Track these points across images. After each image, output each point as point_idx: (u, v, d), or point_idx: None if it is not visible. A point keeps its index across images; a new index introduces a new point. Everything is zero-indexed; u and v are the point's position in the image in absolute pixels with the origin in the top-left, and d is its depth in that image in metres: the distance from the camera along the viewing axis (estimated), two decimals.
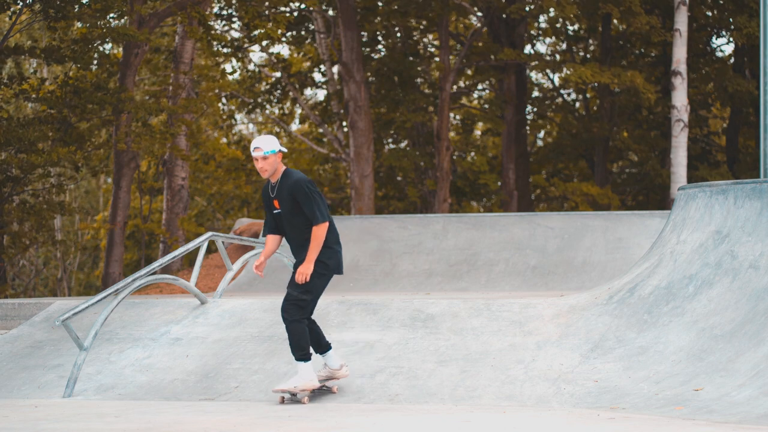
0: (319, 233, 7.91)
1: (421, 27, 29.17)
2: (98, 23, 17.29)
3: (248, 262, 15.18)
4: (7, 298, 17.54)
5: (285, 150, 8.15)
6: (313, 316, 8.22)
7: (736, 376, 7.54)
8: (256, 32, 23.00)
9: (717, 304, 8.49)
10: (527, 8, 23.85)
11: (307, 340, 8.03)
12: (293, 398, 8.14)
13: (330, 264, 8.02)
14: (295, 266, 8.11)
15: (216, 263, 17.54)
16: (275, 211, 8.13)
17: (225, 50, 26.08)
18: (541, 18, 29.54)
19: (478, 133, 34.53)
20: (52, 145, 17.60)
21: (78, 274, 33.59)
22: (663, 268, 9.22)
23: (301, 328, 7.97)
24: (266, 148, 7.97)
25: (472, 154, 32.95)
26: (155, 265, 9.94)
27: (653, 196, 29.75)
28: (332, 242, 8.07)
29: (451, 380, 8.46)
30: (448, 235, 15.19)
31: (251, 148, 8.06)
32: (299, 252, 8.10)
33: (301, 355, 8.02)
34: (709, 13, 26.77)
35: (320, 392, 8.44)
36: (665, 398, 7.54)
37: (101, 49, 19.42)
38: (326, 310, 9.94)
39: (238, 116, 33.34)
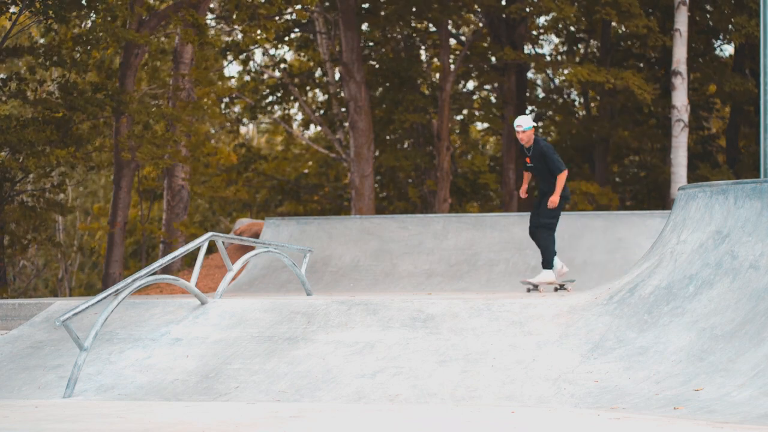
0: (561, 179, 11.78)
1: (418, 37, 29.12)
2: (98, 29, 17.24)
3: (248, 263, 15.18)
4: (8, 298, 17.54)
5: (537, 125, 10.70)
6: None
7: (736, 376, 7.54)
8: (242, 32, 22.95)
9: (717, 304, 8.49)
10: (527, 9, 23.82)
11: (553, 250, 11.98)
12: (535, 289, 11.93)
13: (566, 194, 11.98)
14: (543, 199, 11.96)
15: (216, 263, 17.53)
16: (528, 165, 12.13)
17: (222, 52, 25.98)
18: (542, 19, 29.51)
19: (477, 130, 34.49)
20: (51, 147, 17.55)
21: (78, 274, 33.56)
22: (663, 268, 9.22)
23: (551, 241, 11.94)
24: (525, 125, 11.75)
25: (471, 154, 32.91)
26: (155, 265, 9.93)
27: (653, 195, 29.74)
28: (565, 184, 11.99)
29: (451, 380, 8.46)
30: (449, 236, 15.19)
31: (514, 125, 11.86)
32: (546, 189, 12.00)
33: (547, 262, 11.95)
34: (709, 15, 26.73)
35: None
36: (665, 398, 7.54)
37: (101, 52, 19.38)
38: (326, 310, 9.93)
39: (245, 122, 33.32)
